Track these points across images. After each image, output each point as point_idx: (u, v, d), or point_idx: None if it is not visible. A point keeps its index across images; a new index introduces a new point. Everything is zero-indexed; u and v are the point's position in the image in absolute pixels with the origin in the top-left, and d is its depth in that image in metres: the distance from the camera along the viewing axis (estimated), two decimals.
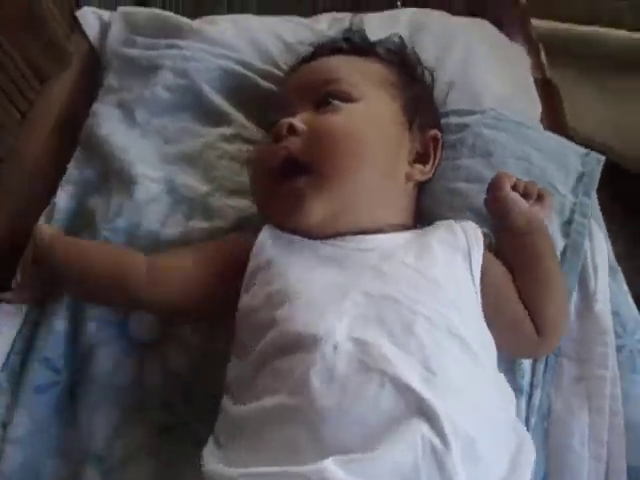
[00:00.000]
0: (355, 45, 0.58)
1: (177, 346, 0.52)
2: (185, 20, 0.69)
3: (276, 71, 0.66)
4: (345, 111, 0.48)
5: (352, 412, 0.36)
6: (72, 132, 0.67)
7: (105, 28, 0.72)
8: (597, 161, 0.62)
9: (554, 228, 0.58)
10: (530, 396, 0.51)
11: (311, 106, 0.50)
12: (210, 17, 0.71)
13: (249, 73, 0.64)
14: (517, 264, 0.51)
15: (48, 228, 0.53)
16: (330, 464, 0.33)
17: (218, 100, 0.62)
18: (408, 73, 0.57)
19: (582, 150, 0.64)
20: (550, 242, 0.53)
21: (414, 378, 0.37)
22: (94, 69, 0.74)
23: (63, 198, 0.59)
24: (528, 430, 0.50)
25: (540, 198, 0.54)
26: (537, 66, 0.83)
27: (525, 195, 0.53)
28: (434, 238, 0.47)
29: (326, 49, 0.58)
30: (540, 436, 0.51)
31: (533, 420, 0.51)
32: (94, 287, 0.50)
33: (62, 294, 0.53)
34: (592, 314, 0.55)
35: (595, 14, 1.39)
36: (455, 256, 0.47)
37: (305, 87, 0.52)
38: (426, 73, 0.60)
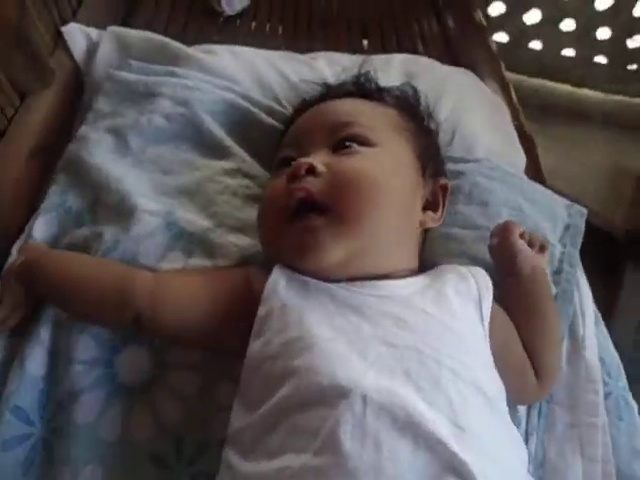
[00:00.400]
0: (367, 90, 0.58)
1: (170, 395, 0.48)
2: (181, 46, 0.67)
3: (279, 108, 0.65)
4: (364, 155, 0.48)
5: (387, 473, 0.34)
6: (52, 154, 0.63)
7: (93, 47, 0.69)
8: (581, 214, 0.66)
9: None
10: (526, 444, 0.52)
11: (326, 148, 0.49)
12: (206, 46, 0.70)
13: (253, 108, 0.63)
14: (519, 311, 0.52)
15: (36, 245, 0.51)
16: None
17: (220, 133, 0.60)
18: (419, 120, 0.58)
19: (566, 202, 0.68)
20: (550, 291, 0.56)
21: (447, 435, 0.35)
22: (76, 88, 0.70)
23: (40, 229, 0.54)
24: None
25: (542, 249, 0.57)
26: (512, 114, 0.88)
27: (529, 245, 0.55)
28: (448, 285, 0.47)
29: (338, 91, 0.58)
30: None
31: (531, 468, 0.51)
32: (92, 301, 0.47)
33: (39, 334, 0.48)
34: (582, 361, 0.57)
35: (543, 68, 1.51)
36: (468, 304, 0.47)
37: (320, 128, 0.51)
38: (432, 123, 0.61)
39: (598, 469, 0.52)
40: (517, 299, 0.53)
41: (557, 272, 0.61)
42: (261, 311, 0.44)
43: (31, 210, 0.57)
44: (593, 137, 1.55)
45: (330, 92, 0.58)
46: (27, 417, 0.46)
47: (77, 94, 0.70)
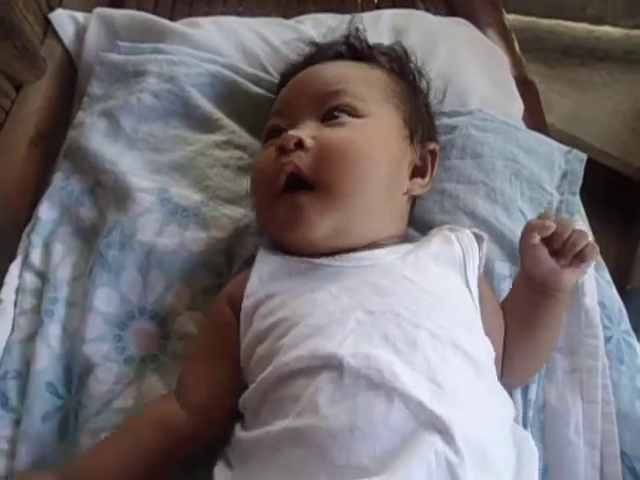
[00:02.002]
0: (356, 50, 0.57)
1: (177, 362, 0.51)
2: (167, 22, 0.67)
3: (265, 75, 0.65)
4: (353, 127, 0.47)
5: (362, 431, 0.35)
6: (52, 141, 0.65)
7: (81, 31, 0.70)
8: (580, 160, 0.65)
9: None
10: (526, 390, 0.53)
11: (315, 117, 0.49)
12: (191, 19, 0.70)
13: (238, 78, 0.63)
14: (519, 316, 0.49)
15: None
16: None
17: (207, 106, 0.61)
18: (409, 82, 0.57)
19: (564, 148, 0.67)
20: (563, 306, 0.51)
21: (423, 393, 0.36)
22: (70, 74, 0.71)
23: (45, 212, 0.57)
24: (526, 423, 0.52)
25: (580, 257, 0.46)
26: (514, 63, 0.85)
27: (561, 252, 0.47)
28: (431, 251, 0.47)
29: (327, 53, 0.57)
30: (538, 428, 0.52)
31: (530, 413, 0.52)
32: (155, 473, 0.44)
33: (52, 313, 0.51)
34: (581, 307, 0.57)
35: (557, 9, 1.44)
36: (451, 270, 0.47)
37: (309, 95, 0.50)
38: (423, 81, 0.60)
39: (598, 410, 0.53)
40: (523, 302, 0.49)
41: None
42: (246, 304, 0.45)
43: (37, 196, 0.60)
44: (614, 78, 1.48)
45: (320, 54, 0.57)
46: (57, 391, 0.50)
47: (72, 80, 0.71)
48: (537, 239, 0.47)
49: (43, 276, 0.55)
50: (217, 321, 0.48)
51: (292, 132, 0.46)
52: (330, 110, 0.48)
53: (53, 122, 0.67)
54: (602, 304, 0.59)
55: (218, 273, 0.54)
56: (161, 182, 0.56)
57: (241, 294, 0.45)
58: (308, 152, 0.45)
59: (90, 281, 0.52)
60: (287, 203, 0.45)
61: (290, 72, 0.58)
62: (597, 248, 0.46)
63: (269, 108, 0.56)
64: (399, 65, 0.58)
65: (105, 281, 0.52)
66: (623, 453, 0.51)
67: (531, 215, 0.60)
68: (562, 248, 0.46)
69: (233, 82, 0.62)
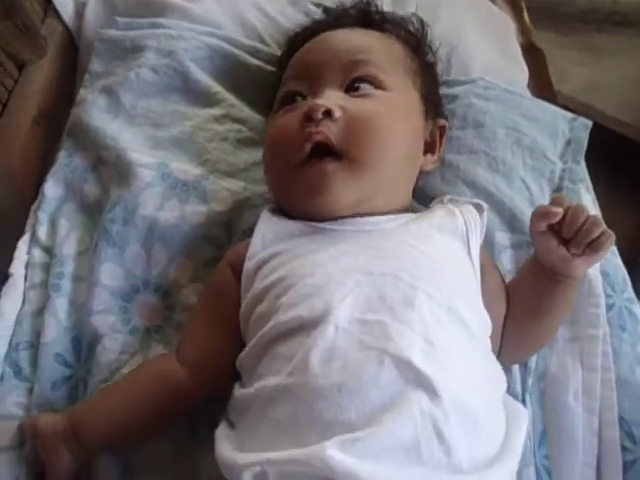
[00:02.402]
0: (374, 21, 0.56)
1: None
2: None
3: (264, 47, 0.65)
4: (379, 99, 0.47)
5: (351, 390, 0.36)
6: (55, 120, 0.66)
7: (81, 8, 0.70)
8: (584, 127, 0.64)
9: (545, 195, 0.60)
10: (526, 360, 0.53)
11: (338, 85, 0.48)
12: None
13: (236, 50, 0.63)
14: (525, 298, 0.49)
15: (48, 419, 0.45)
16: (329, 447, 0.34)
17: (206, 80, 0.61)
18: (422, 57, 0.57)
19: (569, 115, 0.65)
20: (573, 294, 0.50)
21: (414, 353, 0.37)
22: (71, 52, 0.72)
23: (50, 189, 0.58)
24: (526, 391, 0.52)
25: (595, 246, 0.44)
26: (522, 30, 0.83)
27: (572, 241, 0.45)
28: (433, 221, 0.48)
29: (344, 19, 0.56)
30: (537, 395, 0.53)
31: (530, 381, 0.53)
32: (151, 425, 0.46)
33: (59, 288, 0.53)
34: (584, 277, 0.57)
35: None
36: (454, 240, 0.47)
37: (333, 62, 0.49)
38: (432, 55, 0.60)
39: (597, 377, 0.54)
40: (531, 286, 0.49)
41: (557, 190, 0.60)
42: (247, 266, 0.46)
43: (42, 175, 0.61)
44: (632, 44, 1.43)
45: (336, 19, 0.56)
46: (66, 361, 0.52)
47: (74, 58, 0.72)
48: (544, 226, 0.45)
49: (50, 251, 0.56)
50: (218, 285, 0.49)
51: (320, 101, 0.45)
52: (355, 80, 0.48)
53: (56, 101, 0.67)
54: (605, 273, 0.59)
55: (218, 246, 0.55)
56: (161, 157, 0.56)
57: (243, 258, 0.46)
58: (336, 122, 0.45)
59: (95, 256, 0.53)
60: (315, 170, 0.45)
61: (302, 35, 0.57)
62: (613, 236, 0.44)
63: (269, 80, 0.57)
64: (416, 40, 0.58)
65: (110, 256, 0.53)
66: (621, 418, 0.52)
67: (533, 184, 0.60)
68: (574, 237, 0.44)
69: (231, 55, 0.62)
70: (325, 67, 0.50)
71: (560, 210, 0.44)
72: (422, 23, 0.59)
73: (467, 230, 0.48)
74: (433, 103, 0.55)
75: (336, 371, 0.37)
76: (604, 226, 0.44)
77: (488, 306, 0.46)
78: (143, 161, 0.55)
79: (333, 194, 0.45)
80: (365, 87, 0.48)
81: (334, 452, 0.34)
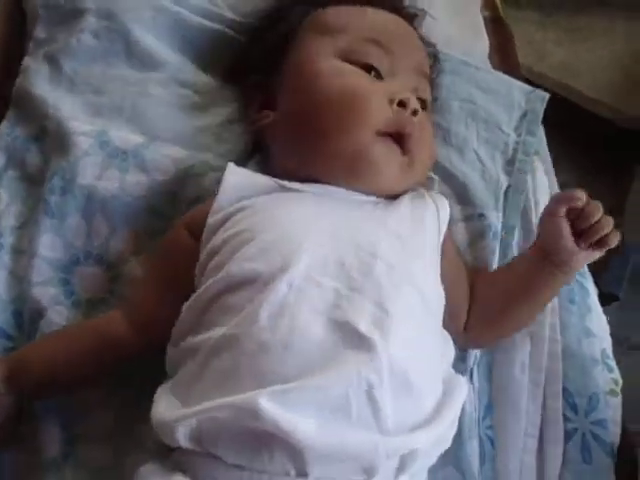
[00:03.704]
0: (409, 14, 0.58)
1: None
2: None
3: (209, 5, 0.62)
4: (427, 119, 0.52)
5: (295, 347, 0.37)
6: (6, 90, 0.63)
7: None
8: (541, 99, 0.63)
9: (498, 168, 0.59)
10: None
11: (412, 82, 0.51)
12: None
13: (181, 9, 0.60)
14: (517, 283, 0.50)
15: None
16: (260, 395, 0.35)
17: (150, 42, 0.58)
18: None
19: (527, 88, 0.65)
20: (559, 288, 0.51)
21: (363, 320, 0.38)
22: (20, 20, 0.69)
23: None
24: (474, 364, 0.53)
25: (602, 243, 0.46)
26: (488, 3, 0.82)
27: (584, 234, 0.45)
28: (405, 200, 0.49)
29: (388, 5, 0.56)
30: (485, 368, 0.54)
31: (478, 354, 0.53)
32: (88, 373, 0.47)
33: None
34: None
35: None
36: (423, 218, 0.48)
37: (413, 56, 0.53)
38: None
39: (544, 349, 0.54)
40: (526, 271, 0.49)
41: (510, 162, 0.60)
42: (210, 221, 0.45)
43: None
44: (612, 25, 1.42)
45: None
46: (7, 335, 0.51)
47: (23, 26, 0.69)
48: (563, 211, 0.45)
49: None
50: (170, 245, 0.49)
51: (411, 98, 0.48)
52: (422, 98, 0.52)
53: (7, 70, 0.65)
54: None
55: (163, 216, 0.53)
56: (101, 125, 0.54)
57: (203, 216, 0.46)
58: (415, 124, 0.48)
59: (35, 227, 0.52)
60: (388, 147, 0.47)
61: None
62: (619, 235, 0.45)
63: (220, 40, 0.57)
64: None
65: (49, 227, 0.52)
66: (565, 389, 0.52)
67: (486, 157, 0.60)
68: (588, 229, 0.45)
69: (175, 13, 0.60)
70: (406, 56, 0.52)
71: (584, 196, 0.45)
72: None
73: (438, 213, 0.49)
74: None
75: (282, 328, 0.37)
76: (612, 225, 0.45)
77: (446, 285, 0.46)
78: (82, 129, 0.54)
79: (389, 173, 0.47)
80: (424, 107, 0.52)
81: (263, 400, 0.34)
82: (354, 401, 0.36)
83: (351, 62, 0.49)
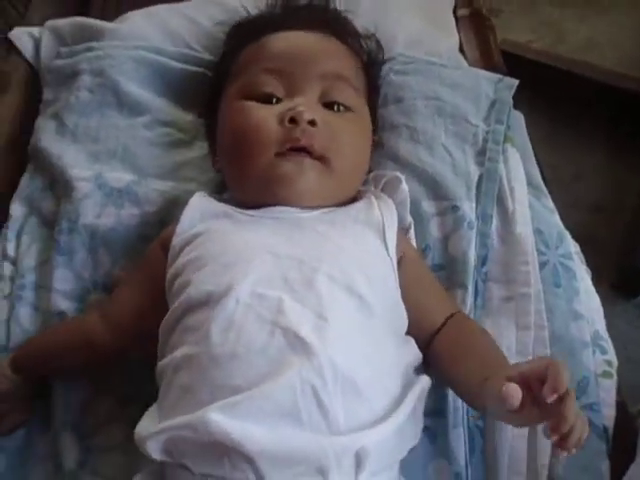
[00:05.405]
0: (339, 31, 0.59)
1: None
2: (100, 22, 0.72)
3: (188, 51, 0.69)
4: (351, 120, 0.54)
5: (242, 357, 0.39)
6: (23, 149, 0.72)
7: (38, 44, 0.76)
8: (509, 87, 0.63)
9: (468, 159, 0.60)
10: None
11: (315, 93, 0.53)
12: (124, 15, 0.74)
13: (161, 57, 0.67)
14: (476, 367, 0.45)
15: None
16: (211, 409, 0.37)
17: (135, 90, 0.65)
18: (373, 76, 0.61)
19: (495, 77, 0.65)
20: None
21: (304, 327, 0.40)
22: (36, 86, 0.78)
23: (17, 209, 0.64)
24: None
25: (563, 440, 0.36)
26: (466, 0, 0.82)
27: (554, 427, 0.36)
28: (349, 211, 0.51)
29: (308, 18, 0.59)
30: None
31: None
32: (73, 363, 0.54)
33: None
34: (513, 236, 0.57)
35: None
36: (366, 228, 0.50)
37: (312, 70, 0.53)
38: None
39: (530, 336, 0.54)
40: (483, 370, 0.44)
41: (481, 152, 0.60)
42: (174, 243, 0.50)
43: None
44: None
45: (300, 16, 0.60)
46: None
47: (39, 90, 0.78)
48: (517, 404, 0.36)
49: (16, 264, 0.62)
50: (148, 258, 0.54)
51: (302, 108, 0.50)
52: (332, 100, 0.53)
53: (24, 132, 0.74)
54: (538, 231, 0.59)
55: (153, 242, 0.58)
56: (98, 169, 0.61)
57: (172, 235, 0.51)
58: (317, 130, 0.50)
59: (50, 264, 0.59)
60: (294, 161, 0.49)
61: (258, 24, 0.60)
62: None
63: (194, 80, 0.63)
64: (370, 60, 0.62)
65: (60, 263, 0.59)
66: None
67: (455, 150, 0.60)
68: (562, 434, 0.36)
69: (155, 62, 0.67)
70: (305, 73, 0.53)
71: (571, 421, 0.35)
72: (378, 44, 0.64)
73: (383, 221, 0.50)
74: (374, 111, 0.60)
75: (231, 340, 0.40)
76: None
77: (407, 292, 0.48)
78: (82, 175, 0.61)
79: (306, 183, 0.49)
80: (341, 109, 0.53)
81: (214, 414, 0.37)
82: (302, 405, 0.38)
83: (251, 96, 0.53)
